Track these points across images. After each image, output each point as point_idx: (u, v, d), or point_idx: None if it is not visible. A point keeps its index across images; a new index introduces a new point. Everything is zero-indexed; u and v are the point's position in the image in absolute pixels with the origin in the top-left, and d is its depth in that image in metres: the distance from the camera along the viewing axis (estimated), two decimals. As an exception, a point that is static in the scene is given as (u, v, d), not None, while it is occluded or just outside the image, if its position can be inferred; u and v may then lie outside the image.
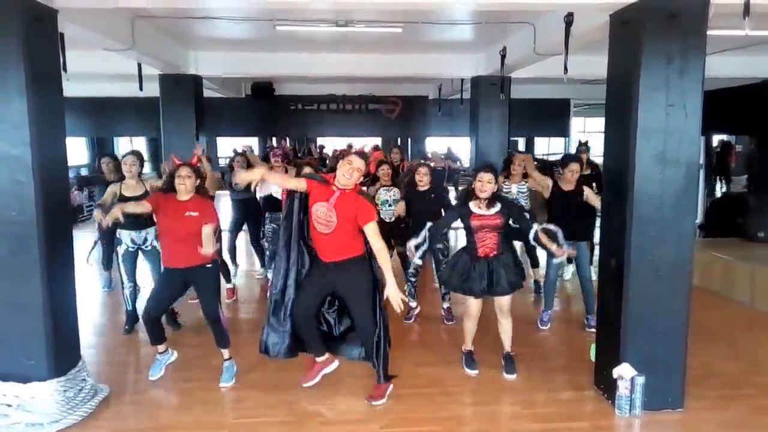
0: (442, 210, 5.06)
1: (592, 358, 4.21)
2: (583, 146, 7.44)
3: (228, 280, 6.06)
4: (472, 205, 4.06)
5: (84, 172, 11.81)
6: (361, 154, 3.89)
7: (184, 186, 3.98)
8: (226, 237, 6.38)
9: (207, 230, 3.90)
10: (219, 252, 5.23)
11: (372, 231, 3.64)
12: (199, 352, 4.57)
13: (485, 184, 3.97)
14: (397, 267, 4.94)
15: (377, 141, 16.71)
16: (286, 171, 5.90)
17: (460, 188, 5.19)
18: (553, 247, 4.06)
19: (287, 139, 13.93)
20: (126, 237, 4.94)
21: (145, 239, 4.97)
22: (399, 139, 15.83)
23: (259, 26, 6.26)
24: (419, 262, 4.38)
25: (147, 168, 4.53)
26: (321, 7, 4.89)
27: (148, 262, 5.05)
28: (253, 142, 14.87)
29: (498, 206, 4.05)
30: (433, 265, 5.55)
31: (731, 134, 12.65)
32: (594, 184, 6.00)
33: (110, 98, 12.14)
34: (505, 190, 5.83)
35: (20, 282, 3.47)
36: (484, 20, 6.10)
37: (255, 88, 12.25)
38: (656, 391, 3.69)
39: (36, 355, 3.52)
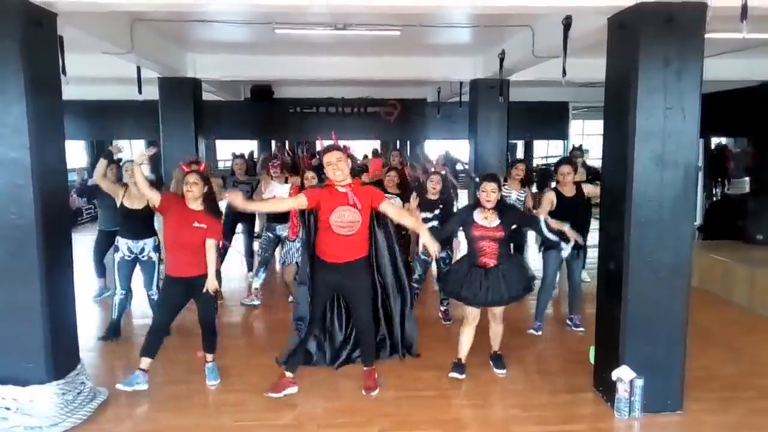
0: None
1: (591, 360, 4.21)
2: (577, 150, 7.45)
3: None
4: (477, 215, 4.08)
5: (86, 176, 11.73)
6: (334, 147, 3.80)
7: (192, 193, 3.98)
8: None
9: (210, 244, 4.02)
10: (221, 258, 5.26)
11: (387, 204, 3.79)
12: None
13: (489, 193, 4.01)
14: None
15: (376, 144, 16.72)
16: (287, 181, 5.83)
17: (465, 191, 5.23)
18: (566, 227, 4.25)
19: (286, 147, 13.90)
20: (123, 245, 4.94)
21: (142, 249, 4.97)
22: (398, 142, 15.83)
23: (258, 29, 6.26)
24: (440, 254, 4.40)
25: (145, 171, 4.57)
26: (320, 10, 4.90)
27: (144, 274, 5.05)
28: (252, 146, 14.86)
29: (500, 219, 4.05)
30: (435, 271, 5.59)
31: (729, 137, 12.66)
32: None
33: (109, 101, 12.13)
34: (504, 194, 5.85)
35: (19, 285, 3.46)
36: (482, 23, 6.11)
37: (254, 91, 12.25)
38: (655, 393, 3.69)
39: (35, 358, 3.52)
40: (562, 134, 15.15)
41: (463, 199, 8.65)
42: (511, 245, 5.28)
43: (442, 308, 5.53)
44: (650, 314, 3.68)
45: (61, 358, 3.65)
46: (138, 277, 5.14)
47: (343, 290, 3.98)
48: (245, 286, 6.82)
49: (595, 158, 7.77)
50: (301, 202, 3.75)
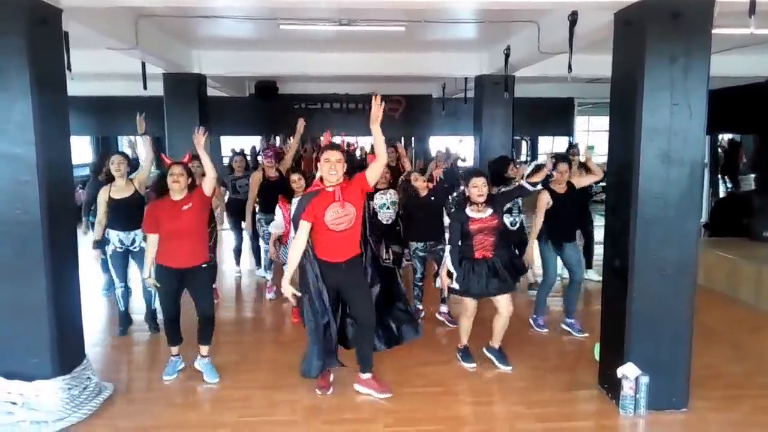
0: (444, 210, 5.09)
1: (596, 357, 4.20)
2: (574, 148, 7.39)
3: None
4: (469, 210, 4.15)
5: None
6: (333, 145, 3.82)
7: (178, 184, 4.00)
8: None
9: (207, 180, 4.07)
10: (213, 249, 5.27)
11: (369, 170, 3.73)
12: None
13: (481, 188, 4.08)
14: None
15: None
16: (278, 171, 6.12)
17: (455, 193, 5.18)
18: (545, 166, 4.53)
19: (277, 138, 13.83)
20: (114, 237, 4.95)
21: (133, 240, 4.98)
22: (402, 138, 15.77)
23: (262, 25, 6.26)
24: (456, 286, 4.22)
25: (148, 148, 4.77)
26: (325, 6, 4.90)
27: (137, 264, 5.04)
28: (255, 141, 14.86)
29: (491, 207, 4.14)
30: (435, 268, 5.52)
31: (736, 133, 12.56)
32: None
33: (114, 97, 12.13)
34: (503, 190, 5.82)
35: (25, 281, 3.48)
36: (487, 19, 6.09)
37: (259, 87, 12.24)
38: (660, 390, 3.68)
39: (40, 353, 3.54)
40: (568, 130, 15.09)
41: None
42: (514, 248, 5.30)
43: (443, 310, 5.41)
44: (656, 312, 3.66)
45: (66, 353, 3.67)
46: (135, 273, 5.16)
47: (345, 289, 3.92)
48: (253, 281, 6.86)
49: (600, 154, 7.69)
50: (306, 228, 3.72)
